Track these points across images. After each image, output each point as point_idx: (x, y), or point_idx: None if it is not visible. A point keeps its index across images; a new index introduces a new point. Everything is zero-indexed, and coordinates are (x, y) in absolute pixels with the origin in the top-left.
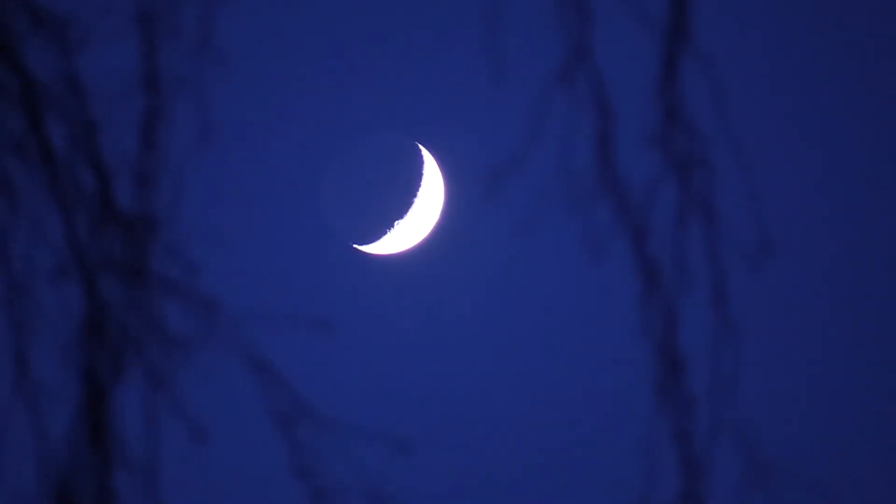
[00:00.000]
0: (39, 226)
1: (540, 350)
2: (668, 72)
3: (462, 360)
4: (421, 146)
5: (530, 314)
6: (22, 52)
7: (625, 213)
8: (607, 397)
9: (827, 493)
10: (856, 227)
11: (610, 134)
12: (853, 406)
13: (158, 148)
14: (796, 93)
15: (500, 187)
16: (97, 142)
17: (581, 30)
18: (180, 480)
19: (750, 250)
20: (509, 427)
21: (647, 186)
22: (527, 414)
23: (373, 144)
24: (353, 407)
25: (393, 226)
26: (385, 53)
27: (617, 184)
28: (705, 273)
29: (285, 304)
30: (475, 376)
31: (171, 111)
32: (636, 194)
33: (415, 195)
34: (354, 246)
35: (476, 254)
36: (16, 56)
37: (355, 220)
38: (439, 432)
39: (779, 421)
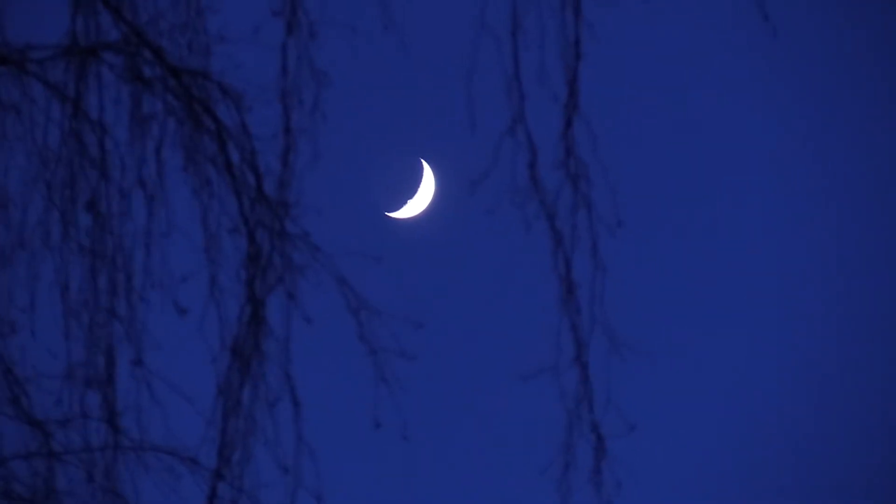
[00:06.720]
0: None
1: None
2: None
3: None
4: (423, 161)
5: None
6: None
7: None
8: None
9: None
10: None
11: (535, 161)
12: None
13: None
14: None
15: (475, 188)
16: None
17: (519, 105)
18: None
19: None
20: None
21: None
22: None
23: (392, 160)
24: None
25: (407, 202)
26: (396, 113)
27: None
28: None
29: None
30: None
31: None
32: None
33: (417, 190)
34: (386, 213)
35: (459, 229)
36: None
37: (385, 196)
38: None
39: None
